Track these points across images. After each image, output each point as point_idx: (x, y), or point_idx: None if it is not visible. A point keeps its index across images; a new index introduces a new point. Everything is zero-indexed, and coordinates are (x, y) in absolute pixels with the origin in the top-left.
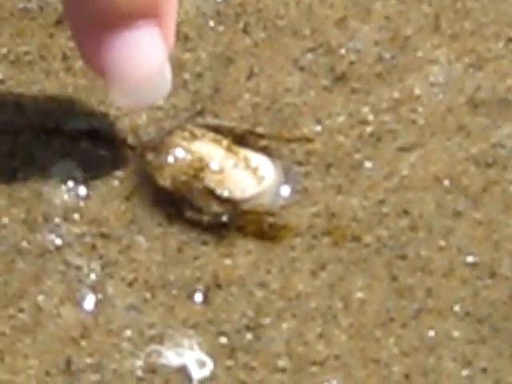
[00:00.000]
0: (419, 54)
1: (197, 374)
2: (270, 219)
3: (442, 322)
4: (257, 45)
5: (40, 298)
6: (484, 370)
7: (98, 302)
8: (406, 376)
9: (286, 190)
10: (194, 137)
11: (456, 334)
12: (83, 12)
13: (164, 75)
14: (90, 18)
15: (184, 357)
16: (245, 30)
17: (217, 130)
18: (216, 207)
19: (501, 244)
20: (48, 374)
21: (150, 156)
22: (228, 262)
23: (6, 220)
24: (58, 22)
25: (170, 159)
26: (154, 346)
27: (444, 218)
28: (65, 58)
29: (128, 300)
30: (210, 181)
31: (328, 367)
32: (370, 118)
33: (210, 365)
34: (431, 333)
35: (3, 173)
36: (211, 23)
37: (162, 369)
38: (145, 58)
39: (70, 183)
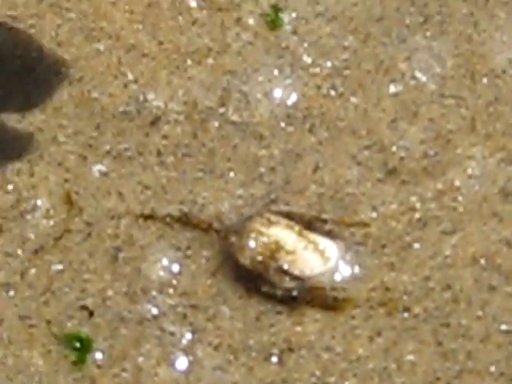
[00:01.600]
0: (458, 150)
1: None
2: (334, 293)
3: (480, 381)
4: (321, 143)
5: (140, 359)
6: None
7: (189, 363)
8: None
9: (347, 268)
10: (270, 223)
11: None
12: None
13: None
14: None
15: None
16: (311, 130)
17: (288, 215)
18: (288, 283)
19: None
20: None
21: (232, 238)
22: (299, 329)
23: (110, 293)
24: (153, 123)
25: (251, 243)
26: None
27: (481, 291)
28: (159, 153)
29: (214, 361)
30: (284, 261)
31: None
32: (418, 205)
33: None
34: None
35: (108, 252)
36: (282, 124)
37: None
38: None
39: (165, 261)
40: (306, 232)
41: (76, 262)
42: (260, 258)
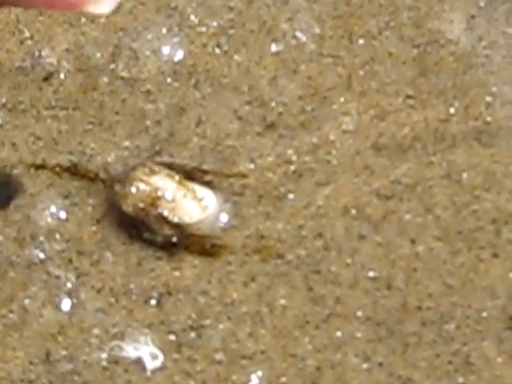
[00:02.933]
0: (334, 107)
1: (150, 364)
2: (212, 240)
3: (348, 324)
4: (205, 98)
5: (26, 301)
6: (380, 364)
7: (72, 306)
8: (318, 368)
9: (224, 217)
10: (152, 172)
11: (358, 334)
12: None
13: None
14: None
15: (140, 350)
16: (195, 86)
17: (170, 166)
18: (168, 230)
19: (396, 262)
20: (31, 363)
21: (117, 187)
22: (177, 273)
23: (0, 238)
24: (46, 78)
25: (133, 190)
26: (116, 342)
27: (351, 240)
28: (51, 107)
29: (97, 304)
30: (164, 208)
31: (255, 360)
32: (294, 158)
33: (161, 357)
34: (339, 333)
35: (0, 199)
36: (169, 80)
37: (122, 360)
38: None
39: (53, 208)
40: (185, 181)
41: None
42: (141, 205)
